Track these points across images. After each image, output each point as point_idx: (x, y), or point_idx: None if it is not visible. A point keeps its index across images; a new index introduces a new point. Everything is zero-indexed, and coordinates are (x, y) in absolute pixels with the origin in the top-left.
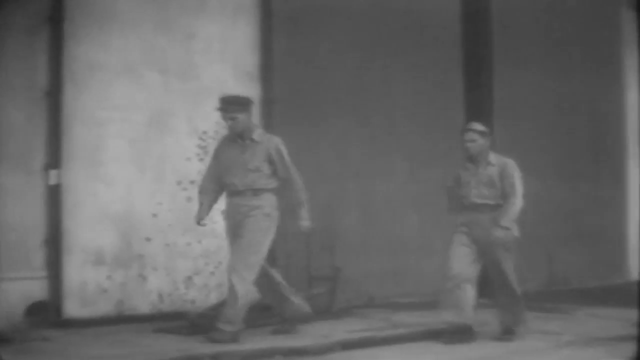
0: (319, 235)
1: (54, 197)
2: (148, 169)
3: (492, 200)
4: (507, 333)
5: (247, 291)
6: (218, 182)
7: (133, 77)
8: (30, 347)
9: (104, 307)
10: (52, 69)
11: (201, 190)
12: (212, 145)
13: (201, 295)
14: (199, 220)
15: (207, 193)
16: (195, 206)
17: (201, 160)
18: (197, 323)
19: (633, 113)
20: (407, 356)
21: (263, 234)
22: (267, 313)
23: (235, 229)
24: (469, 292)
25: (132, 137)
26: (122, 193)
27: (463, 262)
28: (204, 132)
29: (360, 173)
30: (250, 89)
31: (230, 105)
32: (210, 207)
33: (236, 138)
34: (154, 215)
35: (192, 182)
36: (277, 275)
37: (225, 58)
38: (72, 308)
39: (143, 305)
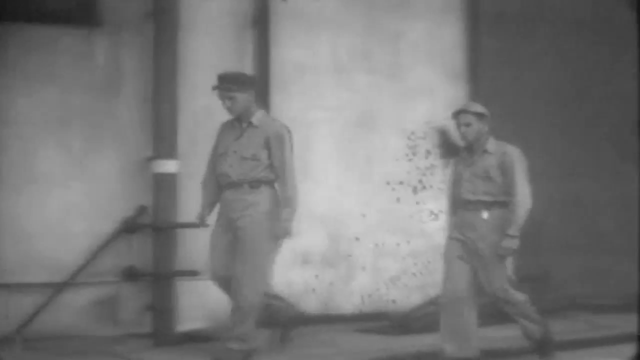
0: (523, 235)
1: None
2: (356, 169)
3: (489, 196)
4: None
5: (253, 305)
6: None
7: (341, 78)
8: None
9: (310, 306)
10: (259, 72)
11: (203, 184)
12: (421, 146)
13: (403, 296)
14: (200, 221)
15: (209, 188)
16: (404, 207)
17: (409, 160)
18: (401, 323)
19: None
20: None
21: (265, 237)
22: None
23: (228, 229)
24: (469, 317)
25: (340, 138)
26: (330, 193)
27: (458, 279)
28: (412, 132)
29: (564, 172)
30: (457, 89)
31: (229, 83)
32: (212, 204)
33: (234, 121)
34: (363, 215)
35: (400, 182)
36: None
37: (432, 58)
38: None
39: (348, 304)
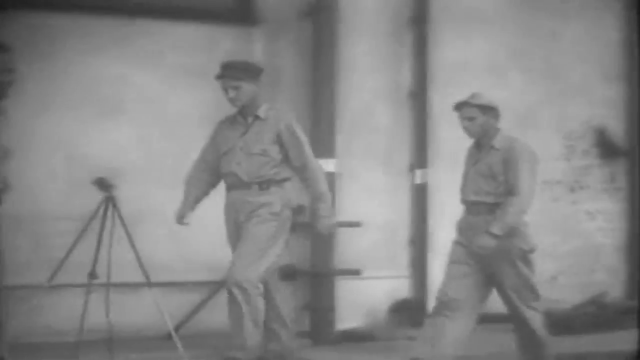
0: None
1: (420, 197)
2: None
3: (491, 197)
4: None
5: (252, 310)
6: (212, 171)
7: (497, 77)
8: (395, 346)
9: None
10: (416, 70)
11: (187, 181)
12: (578, 145)
13: (562, 295)
14: (179, 219)
15: (195, 184)
16: (561, 207)
17: (567, 160)
18: (561, 323)
19: None
20: None
21: (269, 239)
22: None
23: (237, 233)
24: (457, 324)
25: None
26: None
27: (454, 284)
28: (570, 132)
29: None
30: (615, 89)
31: (234, 71)
32: (196, 202)
33: (237, 116)
34: None
35: (558, 182)
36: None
37: (590, 58)
38: None
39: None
